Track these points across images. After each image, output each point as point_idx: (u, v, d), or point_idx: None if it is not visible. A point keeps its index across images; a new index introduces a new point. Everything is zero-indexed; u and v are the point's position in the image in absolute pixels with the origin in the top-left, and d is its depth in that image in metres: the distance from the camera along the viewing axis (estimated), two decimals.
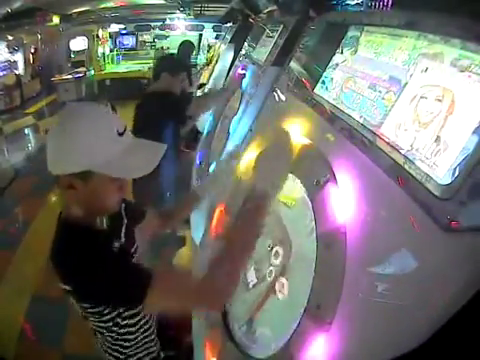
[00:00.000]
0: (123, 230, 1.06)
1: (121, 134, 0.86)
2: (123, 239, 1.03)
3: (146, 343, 1.10)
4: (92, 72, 8.39)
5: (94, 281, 0.83)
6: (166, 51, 8.74)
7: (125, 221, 1.08)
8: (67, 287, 0.87)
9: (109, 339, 1.03)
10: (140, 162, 0.89)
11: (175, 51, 4.10)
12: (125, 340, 1.04)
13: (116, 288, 0.83)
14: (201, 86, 4.49)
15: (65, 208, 0.94)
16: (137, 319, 1.03)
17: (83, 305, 0.92)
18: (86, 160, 0.82)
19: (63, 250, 0.89)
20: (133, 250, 1.09)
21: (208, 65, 5.29)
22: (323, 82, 1.24)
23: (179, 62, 2.57)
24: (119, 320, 0.98)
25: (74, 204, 0.91)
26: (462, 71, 0.70)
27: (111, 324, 0.97)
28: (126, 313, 0.99)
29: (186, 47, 4.01)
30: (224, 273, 0.84)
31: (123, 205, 1.07)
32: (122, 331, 1.01)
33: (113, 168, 0.84)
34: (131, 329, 1.03)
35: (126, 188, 0.95)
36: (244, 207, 0.94)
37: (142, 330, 1.07)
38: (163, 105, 2.13)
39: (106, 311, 0.94)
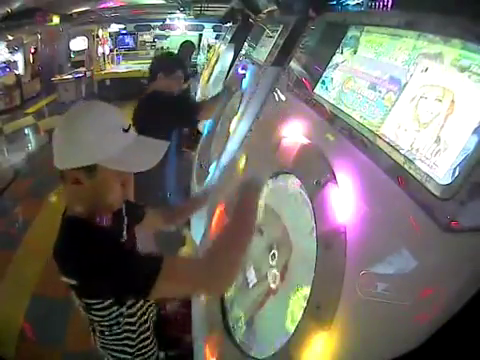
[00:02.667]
0: (124, 229, 1.08)
1: (126, 130, 0.90)
2: (125, 237, 1.06)
3: (145, 341, 1.11)
4: (92, 72, 8.39)
5: (101, 273, 0.84)
6: (165, 51, 8.74)
7: (126, 221, 1.10)
8: (72, 281, 0.88)
9: (110, 338, 1.05)
10: (144, 157, 0.93)
11: (175, 51, 4.11)
12: (127, 338, 1.06)
13: (125, 277, 0.84)
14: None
15: (69, 205, 0.96)
16: (136, 318, 1.05)
17: (87, 301, 0.93)
18: (92, 154, 0.85)
19: (68, 245, 0.90)
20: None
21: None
22: (323, 82, 1.24)
23: (174, 60, 2.47)
24: (120, 319, 0.99)
25: (78, 200, 0.94)
26: (462, 71, 0.70)
27: (113, 323, 0.99)
28: (127, 311, 1.01)
29: (187, 48, 4.03)
30: (226, 257, 0.88)
31: (124, 205, 1.09)
32: (123, 328, 1.03)
33: (118, 162, 0.88)
34: (132, 327, 1.05)
35: (129, 185, 0.98)
36: (237, 198, 1.02)
37: (142, 329, 1.08)
38: (162, 107, 2.10)
39: (106, 312, 0.95)
